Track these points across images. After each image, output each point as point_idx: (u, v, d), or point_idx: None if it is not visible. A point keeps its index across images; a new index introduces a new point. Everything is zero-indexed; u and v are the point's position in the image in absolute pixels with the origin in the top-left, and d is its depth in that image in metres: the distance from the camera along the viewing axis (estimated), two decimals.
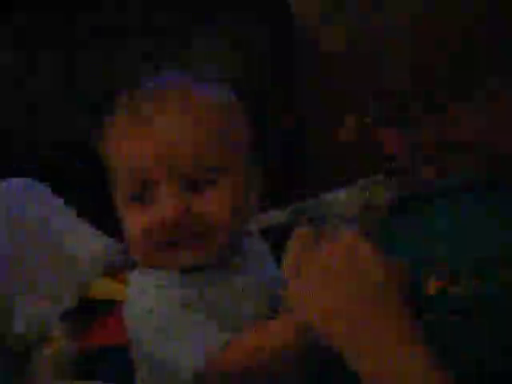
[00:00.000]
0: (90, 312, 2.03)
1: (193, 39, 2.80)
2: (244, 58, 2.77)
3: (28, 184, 2.07)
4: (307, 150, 2.66)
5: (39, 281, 1.97)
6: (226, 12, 2.86)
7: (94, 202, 2.56)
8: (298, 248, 1.00)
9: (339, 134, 0.96)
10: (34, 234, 2.02)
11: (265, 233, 1.13)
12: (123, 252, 2.15)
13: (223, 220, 0.94)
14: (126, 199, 0.98)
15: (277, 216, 1.63)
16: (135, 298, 0.98)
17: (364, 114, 0.93)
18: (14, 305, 1.92)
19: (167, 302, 0.93)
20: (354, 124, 0.92)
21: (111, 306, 2.03)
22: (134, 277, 1.02)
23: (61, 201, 2.11)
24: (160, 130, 0.92)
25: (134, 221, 0.96)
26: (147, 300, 0.95)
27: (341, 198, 1.56)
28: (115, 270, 2.05)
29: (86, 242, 2.07)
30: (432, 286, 0.89)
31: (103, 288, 2.03)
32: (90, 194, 2.62)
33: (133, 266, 2.14)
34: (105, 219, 2.25)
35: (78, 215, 2.12)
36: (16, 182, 2.05)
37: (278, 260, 1.03)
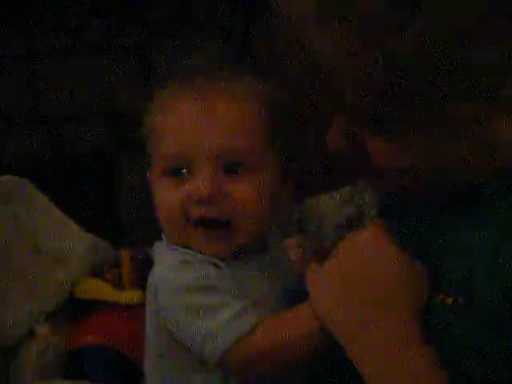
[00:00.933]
0: (77, 311, 2.03)
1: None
2: None
3: (14, 182, 2.07)
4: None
5: (26, 280, 1.97)
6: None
7: (82, 200, 2.58)
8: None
9: (328, 139, 0.96)
10: (21, 233, 2.02)
11: None
12: (110, 249, 2.16)
13: (251, 209, 0.94)
14: (163, 173, 0.98)
15: None
16: (164, 274, 0.96)
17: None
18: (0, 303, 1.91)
19: (198, 280, 0.93)
20: (343, 126, 0.91)
21: (98, 305, 2.03)
22: (163, 252, 0.99)
23: (47, 199, 2.11)
24: (209, 112, 0.94)
25: (168, 194, 0.97)
26: (178, 277, 0.94)
27: (328, 204, 1.56)
28: (102, 269, 2.06)
29: (72, 241, 2.08)
30: None
31: (90, 287, 2.03)
32: (78, 191, 2.64)
33: (117, 265, 2.15)
34: (92, 217, 2.27)
35: (65, 213, 2.12)
36: (1, 179, 2.04)
37: None
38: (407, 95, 0.84)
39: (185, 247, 0.98)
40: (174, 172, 0.97)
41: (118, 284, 2.02)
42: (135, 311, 1.87)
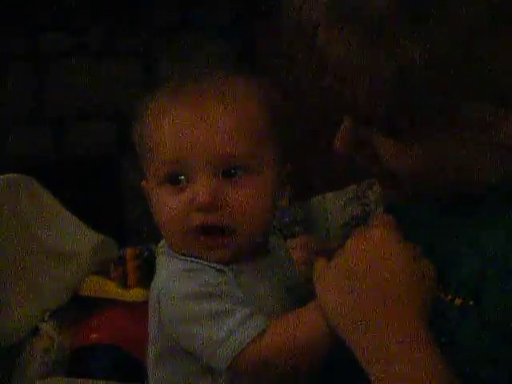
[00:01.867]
0: (82, 309, 2.03)
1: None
2: None
3: (19, 180, 2.07)
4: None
5: (30, 277, 1.97)
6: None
7: (88, 199, 2.58)
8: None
9: (335, 140, 0.95)
10: (26, 231, 2.02)
11: None
12: (114, 248, 2.16)
13: (252, 213, 0.93)
14: (160, 181, 0.95)
15: None
16: (168, 283, 0.94)
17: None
18: (4, 301, 1.92)
19: (204, 287, 0.91)
20: (352, 126, 0.91)
21: (102, 303, 2.04)
22: (167, 261, 0.97)
23: (52, 197, 2.11)
24: (205, 116, 0.92)
25: (167, 202, 0.95)
26: (182, 286, 0.92)
27: (333, 202, 1.55)
28: (107, 267, 2.06)
29: (77, 239, 2.08)
30: None
31: (95, 285, 2.03)
32: (83, 191, 2.64)
33: (123, 262, 2.15)
34: (98, 215, 2.27)
35: (71, 211, 2.12)
36: (7, 177, 2.05)
37: None
38: (420, 98, 0.84)
39: (185, 254, 0.96)
40: (172, 179, 0.95)
41: (122, 282, 2.02)
42: (140, 309, 1.86)
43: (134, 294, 1.97)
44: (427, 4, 0.82)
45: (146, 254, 2.04)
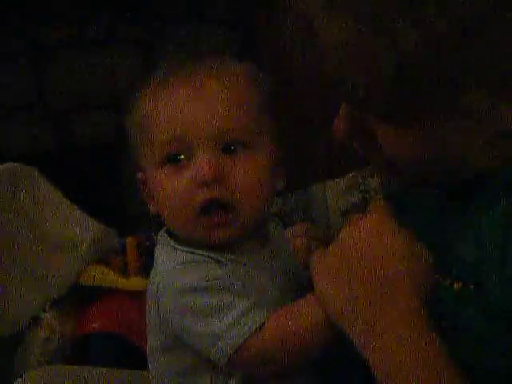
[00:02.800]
0: (83, 298, 2.04)
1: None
2: None
3: (20, 170, 2.07)
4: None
5: (31, 267, 1.98)
6: None
7: (88, 189, 2.58)
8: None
9: (334, 127, 0.95)
10: (26, 220, 2.02)
11: None
12: (115, 237, 2.16)
13: (254, 186, 0.94)
14: (160, 162, 0.95)
15: None
16: (167, 276, 0.94)
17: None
18: (5, 291, 1.92)
19: (204, 281, 0.91)
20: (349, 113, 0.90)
21: (103, 292, 2.04)
22: (166, 252, 0.97)
23: (53, 187, 2.11)
24: (200, 93, 0.94)
25: (169, 183, 0.94)
26: (181, 279, 0.92)
27: (333, 190, 1.56)
28: (108, 256, 2.06)
29: (78, 228, 2.08)
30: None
31: (96, 274, 2.04)
32: (84, 180, 2.65)
33: (123, 251, 2.15)
34: (98, 204, 2.27)
35: (71, 201, 2.12)
36: (7, 166, 2.04)
37: None
38: (419, 83, 0.84)
39: (185, 244, 0.96)
40: (171, 160, 0.95)
41: (123, 271, 2.02)
42: (141, 297, 1.86)
43: (135, 283, 1.98)
44: None
45: (146, 243, 2.04)
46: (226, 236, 0.95)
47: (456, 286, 0.87)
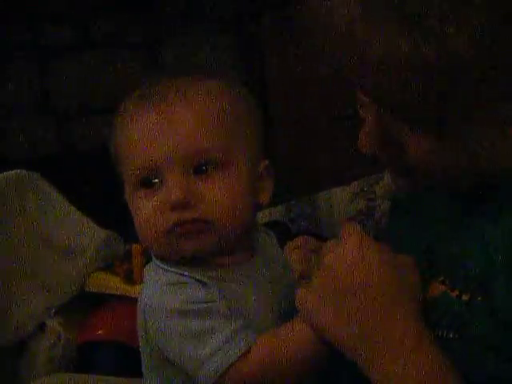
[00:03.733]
0: (87, 304, 2.04)
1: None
2: None
3: (25, 176, 2.07)
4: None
5: (36, 274, 1.98)
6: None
7: (93, 194, 2.58)
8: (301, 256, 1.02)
9: (360, 140, 0.93)
10: (31, 227, 2.03)
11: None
12: (120, 243, 2.16)
13: (227, 205, 0.93)
14: (134, 187, 0.96)
15: (272, 212, 1.63)
16: (152, 298, 0.94)
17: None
18: (10, 298, 1.92)
19: (189, 304, 0.91)
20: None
21: (108, 299, 2.04)
22: (150, 273, 0.97)
23: (58, 193, 2.11)
24: (167, 116, 0.93)
25: (142, 206, 0.95)
26: (166, 301, 0.92)
27: (339, 197, 1.55)
28: (113, 263, 2.06)
29: (83, 235, 2.08)
30: (434, 289, 0.89)
31: (101, 281, 2.04)
32: (89, 186, 2.64)
33: (128, 258, 2.15)
34: (103, 211, 2.27)
35: (76, 206, 2.12)
36: (13, 174, 2.05)
37: None
38: (462, 88, 0.82)
39: (169, 263, 0.96)
40: (146, 184, 0.95)
41: (128, 278, 2.02)
42: None
43: (140, 290, 1.97)
44: None
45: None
46: (199, 246, 0.94)
47: (464, 297, 0.86)
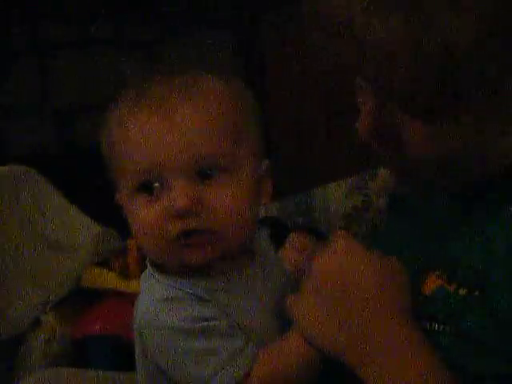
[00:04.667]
0: (83, 300, 2.03)
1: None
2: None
3: (21, 171, 2.07)
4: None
5: (32, 269, 1.98)
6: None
7: (90, 190, 2.58)
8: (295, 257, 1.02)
9: (357, 125, 0.92)
10: (27, 222, 2.02)
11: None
12: (116, 239, 2.16)
13: (234, 214, 0.89)
14: (133, 191, 0.91)
15: (268, 208, 1.63)
16: (149, 313, 0.90)
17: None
18: (5, 293, 1.92)
19: (187, 322, 0.88)
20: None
21: (104, 294, 2.03)
22: (147, 285, 0.93)
23: (54, 188, 2.11)
24: (171, 119, 0.89)
25: (142, 213, 0.90)
26: (163, 318, 0.88)
27: (334, 193, 1.55)
28: (109, 258, 2.06)
29: (79, 230, 2.08)
30: (431, 283, 0.89)
31: (96, 276, 2.03)
32: (85, 182, 2.64)
33: (124, 253, 2.15)
34: (99, 206, 2.26)
35: (73, 204, 2.12)
36: (9, 169, 2.05)
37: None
38: (467, 78, 0.81)
39: (166, 272, 0.93)
40: (145, 188, 0.90)
41: (124, 273, 2.02)
42: None
43: (136, 285, 1.96)
44: None
45: None
46: (205, 257, 0.91)
47: (461, 291, 0.87)
